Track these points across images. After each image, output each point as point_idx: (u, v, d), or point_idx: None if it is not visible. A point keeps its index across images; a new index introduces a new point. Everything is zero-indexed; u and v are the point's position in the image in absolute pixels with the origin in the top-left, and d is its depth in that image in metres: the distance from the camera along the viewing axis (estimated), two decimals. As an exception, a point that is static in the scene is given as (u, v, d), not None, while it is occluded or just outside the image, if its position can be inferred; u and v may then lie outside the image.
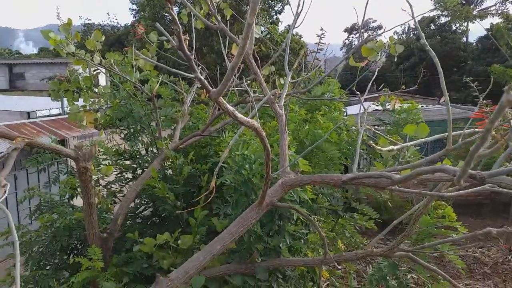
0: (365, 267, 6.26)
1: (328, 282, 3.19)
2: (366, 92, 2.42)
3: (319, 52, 2.90)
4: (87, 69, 3.89)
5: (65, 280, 2.89)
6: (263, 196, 1.36)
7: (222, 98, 1.02)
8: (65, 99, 4.03)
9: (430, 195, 1.66)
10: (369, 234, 5.85)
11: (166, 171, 3.38)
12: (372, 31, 35.38)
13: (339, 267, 2.91)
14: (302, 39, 18.89)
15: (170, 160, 3.07)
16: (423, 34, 1.53)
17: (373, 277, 2.68)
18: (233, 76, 1.03)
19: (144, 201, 3.31)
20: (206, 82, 1.06)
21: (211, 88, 1.04)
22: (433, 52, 1.50)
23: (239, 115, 1.14)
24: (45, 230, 3.24)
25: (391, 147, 1.37)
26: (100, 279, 2.35)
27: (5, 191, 1.79)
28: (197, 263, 1.32)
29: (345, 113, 5.83)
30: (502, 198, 8.82)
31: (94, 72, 4.03)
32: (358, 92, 2.08)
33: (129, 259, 2.72)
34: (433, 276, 2.84)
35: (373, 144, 1.38)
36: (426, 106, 14.09)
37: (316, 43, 2.74)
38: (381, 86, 3.50)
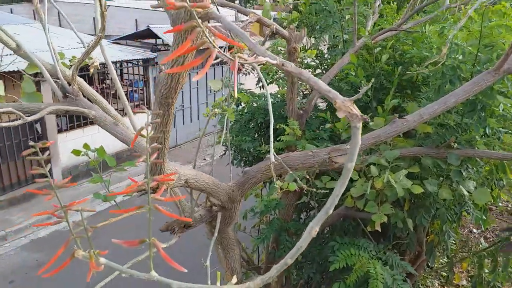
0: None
1: None
2: None
3: None
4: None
5: (260, 149, 3.47)
6: (504, 60, 1.42)
7: None
8: None
9: None
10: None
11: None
12: None
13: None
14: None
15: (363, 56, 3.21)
16: None
17: None
18: None
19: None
20: None
21: None
22: None
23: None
24: (244, 109, 3.86)
25: None
26: (298, 144, 2.80)
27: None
28: (432, 110, 1.51)
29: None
30: None
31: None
32: None
33: (316, 136, 3.12)
34: None
35: None
36: None
37: None
38: None
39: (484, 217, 2.78)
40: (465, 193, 2.24)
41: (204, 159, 8.90)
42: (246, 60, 0.62)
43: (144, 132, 0.69)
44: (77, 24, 1.81)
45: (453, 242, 2.96)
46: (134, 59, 8.66)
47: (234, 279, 1.62)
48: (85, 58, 1.48)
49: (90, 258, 0.72)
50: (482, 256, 2.95)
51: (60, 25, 10.62)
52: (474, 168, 2.39)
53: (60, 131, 7.52)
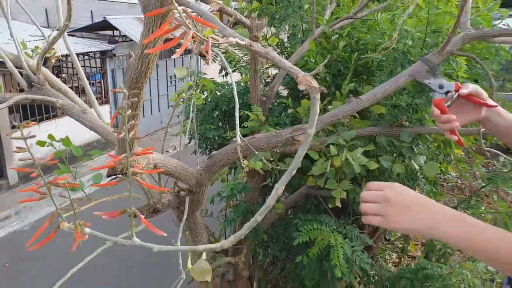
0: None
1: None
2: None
3: None
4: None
5: (225, 135, 3.55)
6: (446, 42, 1.58)
7: None
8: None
9: None
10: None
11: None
12: None
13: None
14: None
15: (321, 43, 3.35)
16: None
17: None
18: None
19: (290, 78, 3.72)
20: None
21: None
22: None
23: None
24: (208, 98, 3.92)
25: None
26: (262, 129, 2.91)
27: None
28: (384, 89, 1.65)
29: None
30: None
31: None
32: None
33: (279, 122, 3.24)
34: None
35: None
36: None
37: None
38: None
39: (434, 190, 3.02)
40: (416, 167, 2.44)
41: (167, 151, 8.84)
42: (218, 41, 0.70)
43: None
44: (28, 17, 1.76)
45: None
46: (91, 51, 8.42)
47: (204, 256, 1.71)
48: (50, 47, 1.49)
49: (75, 229, 0.78)
50: (433, 227, 3.20)
51: (7, 16, 10.06)
52: (424, 145, 2.60)
53: (14, 127, 7.21)
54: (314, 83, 0.73)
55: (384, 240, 3.84)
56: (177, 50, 0.79)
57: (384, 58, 2.53)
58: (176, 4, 0.60)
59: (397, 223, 0.84)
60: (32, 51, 1.73)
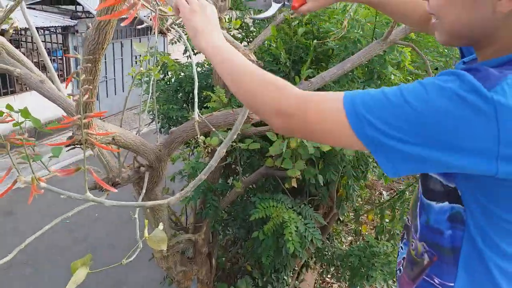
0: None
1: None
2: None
3: None
4: None
5: (187, 115, 3.59)
6: (389, 32, 1.71)
7: None
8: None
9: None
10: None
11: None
12: None
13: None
14: None
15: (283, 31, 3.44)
16: None
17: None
18: None
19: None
20: None
21: None
22: None
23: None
24: (171, 79, 3.93)
25: None
26: (224, 109, 2.98)
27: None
28: (332, 73, 1.76)
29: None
30: None
31: None
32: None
33: (241, 104, 3.32)
34: None
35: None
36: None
37: None
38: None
39: (384, 173, 3.21)
40: (366, 151, 2.61)
41: (132, 133, 8.70)
42: (166, 13, 0.77)
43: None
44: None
45: (358, 195, 3.39)
46: (52, 26, 8.11)
47: (161, 226, 1.79)
48: (7, 15, 1.49)
49: (32, 182, 0.84)
50: (383, 208, 3.42)
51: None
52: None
53: (-33, 102, 6.88)
54: (253, 57, 0.82)
55: (338, 221, 4.05)
56: (140, 27, 0.85)
57: (337, 46, 2.66)
58: (125, -24, 0.66)
59: (184, 19, 0.87)
60: (-12, 20, 1.71)
